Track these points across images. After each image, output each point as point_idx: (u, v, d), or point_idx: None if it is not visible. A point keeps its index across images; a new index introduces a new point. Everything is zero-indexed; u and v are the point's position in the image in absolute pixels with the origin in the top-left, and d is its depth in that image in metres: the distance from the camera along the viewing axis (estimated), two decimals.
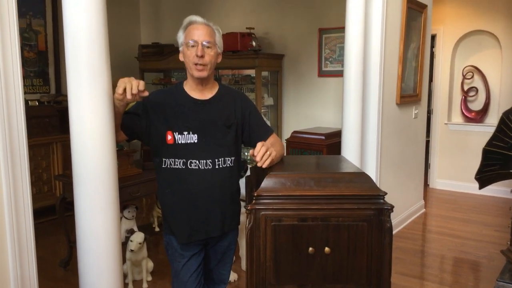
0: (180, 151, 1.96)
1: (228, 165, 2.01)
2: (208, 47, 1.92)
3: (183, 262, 2.05)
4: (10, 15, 1.95)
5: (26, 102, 1.91)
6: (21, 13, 4.98)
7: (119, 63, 5.81)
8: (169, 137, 1.96)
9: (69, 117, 2.00)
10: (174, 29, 2.02)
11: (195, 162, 1.95)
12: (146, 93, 1.83)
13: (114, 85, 1.93)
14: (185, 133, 1.95)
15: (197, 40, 1.91)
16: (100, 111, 1.95)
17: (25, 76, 5.19)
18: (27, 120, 2.09)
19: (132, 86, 1.78)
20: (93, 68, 1.93)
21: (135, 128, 2.03)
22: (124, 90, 1.79)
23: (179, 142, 1.95)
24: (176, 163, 1.96)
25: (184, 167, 1.96)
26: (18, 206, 2.04)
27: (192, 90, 2.02)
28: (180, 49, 2.00)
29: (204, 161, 1.95)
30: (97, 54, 1.93)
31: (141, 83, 1.80)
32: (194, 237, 2.02)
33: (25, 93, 2.08)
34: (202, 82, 2.00)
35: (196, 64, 1.92)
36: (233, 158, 2.03)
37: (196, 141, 1.96)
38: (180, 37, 1.99)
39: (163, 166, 2.00)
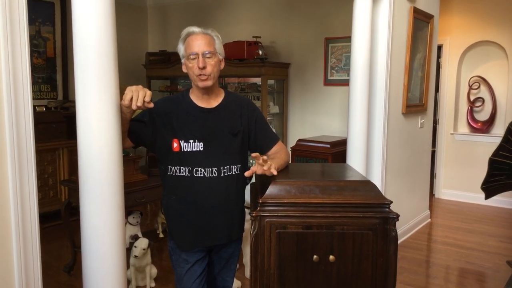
0: (185, 159, 1.96)
1: (233, 173, 2.01)
2: (209, 57, 1.93)
3: (187, 268, 2.05)
4: (20, 22, 1.98)
5: (34, 107, 1.93)
6: (31, 20, 5.04)
7: (127, 70, 5.86)
8: (175, 144, 1.96)
9: (77, 123, 2.01)
10: None
11: (200, 170, 1.95)
12: (151, 105, 1.83)
13: (122, 92, 1.94)
14: (191, 141, 1.96)
15: (197, 52, 1.91)
16: (108, 117, 1.96)
17: (33, 82, 5.22)
18: (34, 126, 2.10)
19: (139, 97, 1.78)
20: (101, 75, 1.94)
21: (141, 135, 2.04)
22: (131, 99, 1.80)
23: (185, 150, 1.96)
24: (182, 170, 1.97)
25: (189, 175, 1.96)
26: (24, 210, 2.05)
27: (198, 99, 2.03)
28: (182, 61, 2.01)
29: (210, 169, 1.96)
30: (105, 61, 1.95)
31: (148, 93, 1.80)
32: (198, 244, 2.03)
33: (33, 99, 2.09)
34: (207, 91, 2.01)
35: (199, 75, 1.93)
36: (239, 165, 2.03)
37: (201, 149, 1.96)
38: (180, 49, 2.00)
39: (169, 173, 2.01)
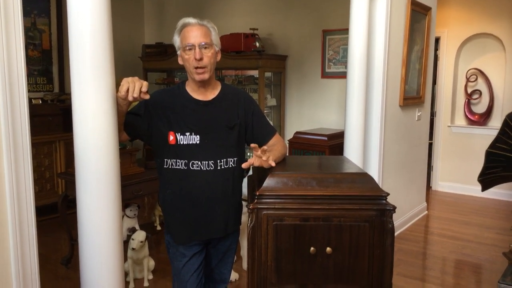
0: (182, 151, 1.95)
1: (230, 166, 2.00)
2: (205, 47, 1.90)
3: (184, 261, 2.05)
4: (15, 14, 1.96)
5: (30, 100, 1.91)
6: (26, 12, 5.00)
7: (123, 63, 5.83)
8: (171, 137, 1.95)
9: (73, 116, 2.00)
10: None
11: (197, 163, 1.94)
12: (148, 96, 1.82)
13: (118, 84, 1.93)
14: (187, 134, 1.95)
15: (193, 43, 1.89)
16: (104, 109, 1.95)
17: (29, 75, 5.20)
18: (30, 118, 2.09)
19: (135, 87, 1.78)
20: (97, 67, 1.93)
21: (136, 128, 2.03)
22: (128, 90, 1.79)
23: (181, 142, 1.95)
24: (178, 163, 1.96)
25: (186, 168, 1.95)
26: (20, 203, 2.05)
27: (194, 91, 2.01)
28: (178, 53, 1.98)
29: (206, 162, 1.95)
30: (101, 53, 1.94)
31: (144, 84, 1.80)
32: (195, 238, 2.03)
33: (28, 91, 2.08)
34: (203, 83, 1.98)
35: (196, 68, 1.90)
36: (235, 158, 2.02)
37: (198, 142, 1.95)
38: (176, 41, 1.97)
39: (165, 166, 2.00)
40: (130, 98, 1.80)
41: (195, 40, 1.89)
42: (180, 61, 1.99)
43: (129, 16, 6.54)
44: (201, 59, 1.89)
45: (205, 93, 2.01)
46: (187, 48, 1.90)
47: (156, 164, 2.09)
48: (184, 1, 6.39)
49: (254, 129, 2.10)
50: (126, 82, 1.80)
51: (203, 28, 1.93)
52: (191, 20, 1.94)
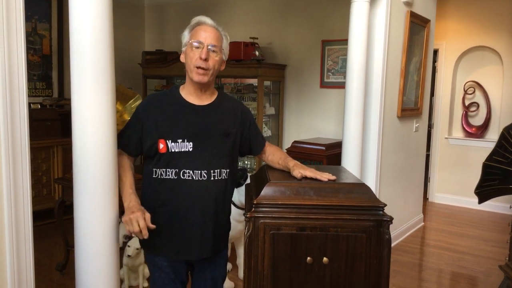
0: (172, 160, 1.83)
1: (223, 178, 1.89)
2: (213, 51, 1.81)
3: (172, 279, 1.94)
4: (17, 19, 1.97)
5: (29, 105, 1.91)
6: (27, 17, 5.00)
7: (123, 69, 5.85)
8: (161, 145, 1.84)
9: (72, 121, 2.00)
10: (178, 36, 1.98)
11: (188, 172, 1.83)
12: (152, 226, 1.77)
13: (117, 91, 1.92)
14: (179, 140, 1.83)
15: (203, 42, 1.80)
16: (103, 115, 1.95)
17: (28, 79, 5.17)
18: (29, 123, 2.09)
19: (139, 224, 1.74)
20: (97, 73, 1.93)
21: (137, 146, 1.96)
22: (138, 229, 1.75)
23: (172, 150, 1.83)
24: (168, 173, 1.84)
25: (176, 177, 1.84)
26: (17, 208, 2.04)
27: (190, 95, 1.90)
28: (183, 49, 1.88)
29: (199, 171, 1.83)
30: (102, 59, 1.94)
31: (147, 216, 1.78)
32: (183, 256, 1.91)
33: (28, 96, 2.08)
34: (201, 87, 1.88)
35: (198, 68, 1.80)
36: (228, 170, 1.91)
37: (191, 149, 1.83)
38: (185, 36, 1.88)
39: (154, 176, 1.89)
40: (145, 236, 1.76)
41: (206, 40, 1.81)
42: (182, 59, 1.90)
43: (129, 23, 6.57)
44: (206, 59, 1.79)
45: (201, 97, 1.91)
46: (195, 45, 1.81)
47: (143, 173, 1.99)
48: (184, 9, 6.43)
49: (251, 141, 2.04)
50: (134, 221, 1.76)
51: (217, 32, 1.86)
52: (207, 20, 1.87)
